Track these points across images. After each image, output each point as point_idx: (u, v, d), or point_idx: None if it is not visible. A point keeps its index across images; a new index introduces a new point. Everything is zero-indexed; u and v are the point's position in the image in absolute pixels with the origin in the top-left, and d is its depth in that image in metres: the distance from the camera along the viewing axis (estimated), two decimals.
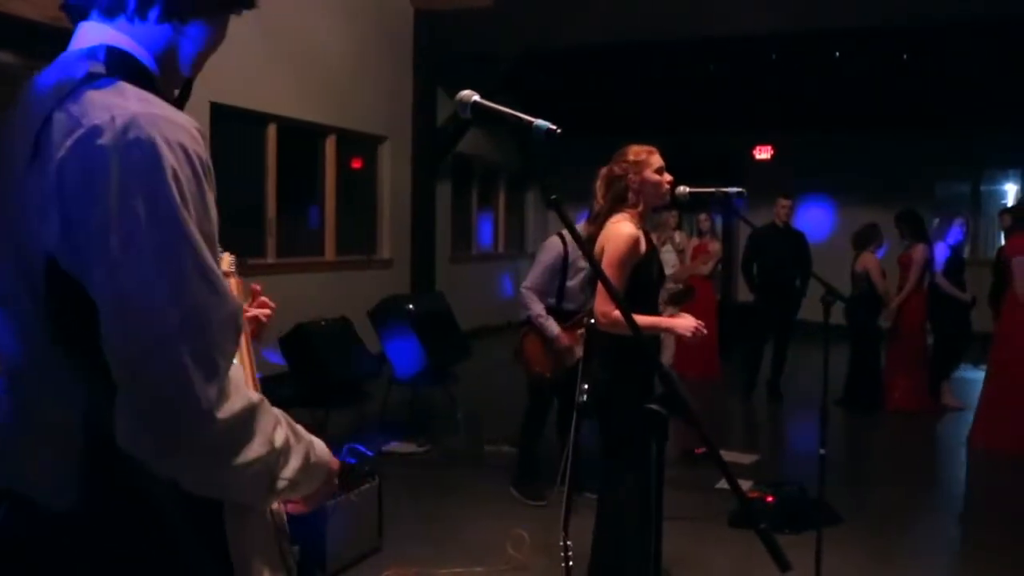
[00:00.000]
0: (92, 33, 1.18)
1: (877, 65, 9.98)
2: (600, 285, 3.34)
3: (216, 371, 1.06)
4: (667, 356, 9.33)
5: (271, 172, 7.98)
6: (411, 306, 6.18)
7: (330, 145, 8.79)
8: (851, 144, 12.14)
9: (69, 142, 1.04)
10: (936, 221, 8.89)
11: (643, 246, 3.29)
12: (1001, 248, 7.58)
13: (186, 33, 1.21)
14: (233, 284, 1.50)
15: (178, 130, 1.07)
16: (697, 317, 9.37)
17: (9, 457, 1.17)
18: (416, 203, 9.86)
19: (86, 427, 1.10)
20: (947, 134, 11.27)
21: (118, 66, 1.13)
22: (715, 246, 8.76)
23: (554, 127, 1.77)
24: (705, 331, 3.38)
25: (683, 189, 3.42)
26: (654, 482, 1.71)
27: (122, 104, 1.07)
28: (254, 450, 1.10)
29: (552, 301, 5.01)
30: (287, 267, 8.08)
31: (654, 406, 1.59)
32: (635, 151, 3.40)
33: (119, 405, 1.05)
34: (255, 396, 1.13)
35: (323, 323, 5.73)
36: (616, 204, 3.37)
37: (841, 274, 8.05)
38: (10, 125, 1.16)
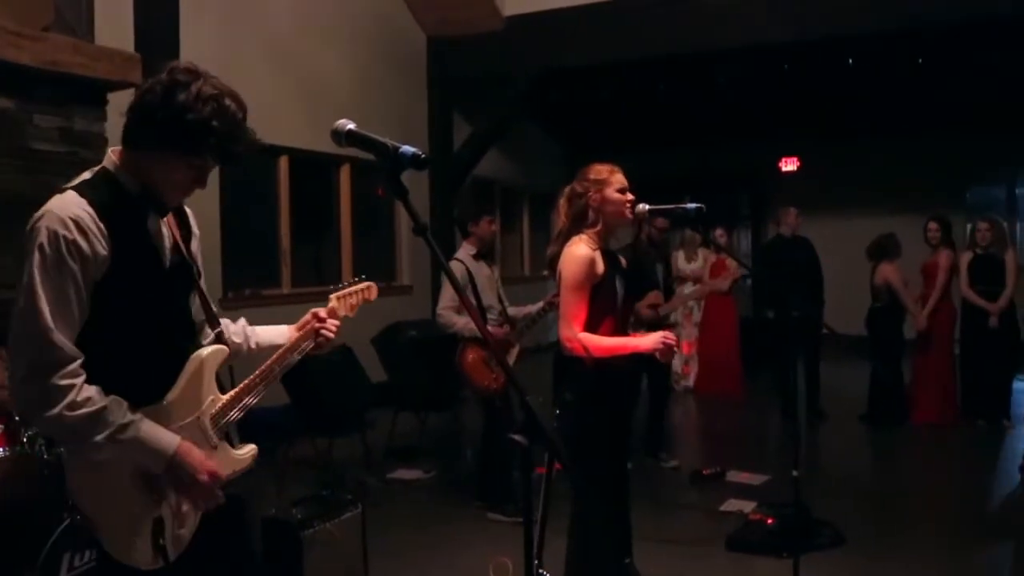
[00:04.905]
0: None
1: (898, 69, 9.76)
2: (561, 311, 3.28)
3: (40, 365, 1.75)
4: (691, 377, 9.22)
5: (284, 203, 8.07)
6: (413, 332, 6.16)
7: (344, 174, 8.86)
8: (879, 151, 11.85)
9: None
10: (968, 227, 8.56)
11: (600, 267, 3.21)
12: None
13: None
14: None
15: (55, 220, 1.75)
16: (719, 335, 9.26)
17: None
18: (435, 228, 9.86)
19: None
20: (979, 136, 10.90)
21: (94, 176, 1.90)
22: (732, 262, 8.59)
23: (420, 152, 1.74)
24: (673, 342, 3.27)
25: (643, 207, 3.35)
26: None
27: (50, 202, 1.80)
28: (56, 411, 1.72)
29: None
30: (303, 296, 8.13)
31: (515, 436, 1.54)
32: (597, 169, 3.34)
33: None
34: (80, 384, 1.75)
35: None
36: (576, 223, 3.32)
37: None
38: None
